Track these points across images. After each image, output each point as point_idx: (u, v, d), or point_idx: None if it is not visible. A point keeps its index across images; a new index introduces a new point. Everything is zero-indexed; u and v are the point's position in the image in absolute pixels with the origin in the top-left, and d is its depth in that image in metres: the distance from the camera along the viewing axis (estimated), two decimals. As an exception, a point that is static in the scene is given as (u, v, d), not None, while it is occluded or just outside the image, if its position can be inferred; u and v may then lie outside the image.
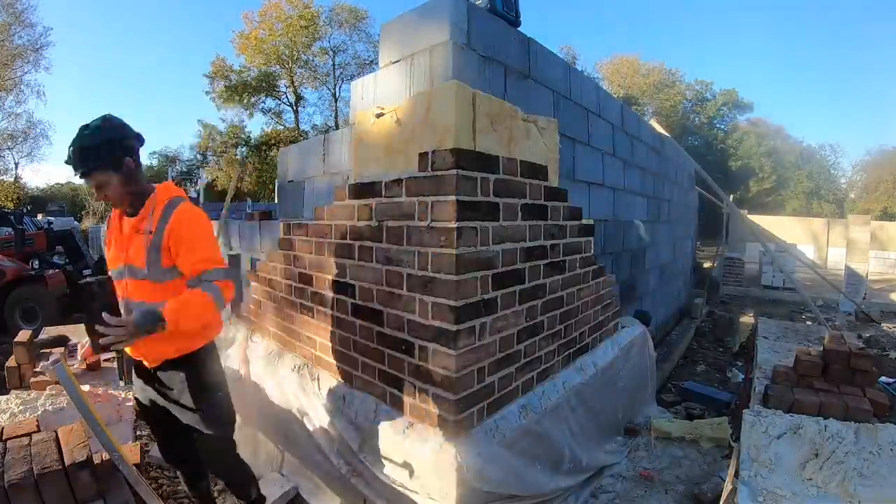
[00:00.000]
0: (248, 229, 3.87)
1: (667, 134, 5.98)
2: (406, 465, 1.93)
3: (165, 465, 3.05)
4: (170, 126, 60.51)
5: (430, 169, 1.83)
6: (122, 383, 2.80)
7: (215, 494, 2.80)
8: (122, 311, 1.83)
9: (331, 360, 2.47)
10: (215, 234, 4.51)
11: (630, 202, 4.24)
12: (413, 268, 1.93)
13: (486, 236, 1.92)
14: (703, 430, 3.05)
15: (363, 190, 2.16)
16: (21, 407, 2.35)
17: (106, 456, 1.62)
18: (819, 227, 16.14)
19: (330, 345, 2.46)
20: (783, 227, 15.84)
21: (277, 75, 27.29)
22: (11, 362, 2.56)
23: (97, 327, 1.50)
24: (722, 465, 2.69)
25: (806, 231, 15.97)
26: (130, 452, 2.04)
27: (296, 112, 28.74)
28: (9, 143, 23.55)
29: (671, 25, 57.28)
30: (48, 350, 2.71)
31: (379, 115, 2.07)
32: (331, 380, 2.45)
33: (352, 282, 2.26)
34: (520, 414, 2.15)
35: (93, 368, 2.76)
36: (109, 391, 2.63)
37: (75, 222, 15.50)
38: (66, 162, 1.71)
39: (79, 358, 2.82)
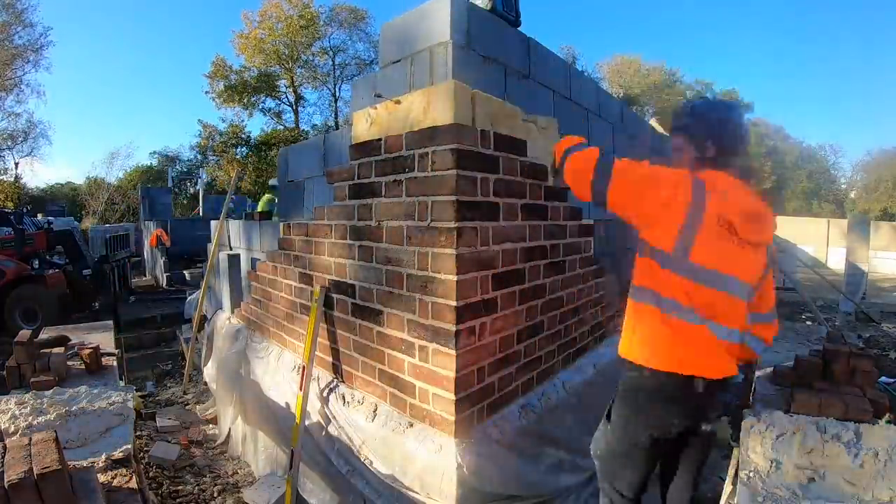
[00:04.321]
0: (248, 229, 3.87)
1: (667, 134, 5.98)
2: (406, 465, 1.93)
3: (165, 464, 3.05)
4: (170, 126, 60.40)
5: (429, 169, 1.83)
6: (121, 383, 2.79)
7: (214, 493, 2.81)
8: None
9: (331, 359, 2.47)
10: (215, 233, 4.52)
11: (630, 202, 4.23)
12: (413, 268, 1.93)
13: (486, 236, 1.92)
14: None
15: (363, 190, 2.16)
16: (21, 409, 2.35)
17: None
18: (819, 227, 16.14)
19: (330, 345, 2.46)
20: (783, 227, 15.82)
21: (277, 75, 27.28)
22: (11, 362, 2.56)
23: None
24: (722, 466, 2.69)
25: (806, 231, 15.98)
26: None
27: (296, 112, 28.76)
28: (9, 143, 23.57)
29: (672, 25, 57.25)
30: (48, 350, 2.71)
31: (378, 116, 2.07)
32: (331, 379, 2.45)
33: (352, 282, 2.26)
34: (520, 414, 2.15)
35: (93, 370, 2.75)
36: (109, 392, 2.63)
37: (75, 222, 15.50)
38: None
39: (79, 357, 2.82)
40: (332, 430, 2.29)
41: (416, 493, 1.89)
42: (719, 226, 1.49)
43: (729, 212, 1.48)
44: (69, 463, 1.58)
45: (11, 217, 7.86)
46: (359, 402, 2.22)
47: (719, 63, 57.34)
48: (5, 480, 1.27)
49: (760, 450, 1.75)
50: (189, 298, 6.89)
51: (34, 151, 24.82)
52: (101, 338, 3.22)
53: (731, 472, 2.03)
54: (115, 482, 1.66)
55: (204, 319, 4.75)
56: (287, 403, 2.63)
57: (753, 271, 1.57)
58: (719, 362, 1.55)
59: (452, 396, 1.82)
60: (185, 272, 11.04)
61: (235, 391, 3.24)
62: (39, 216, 12.37)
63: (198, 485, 2.89)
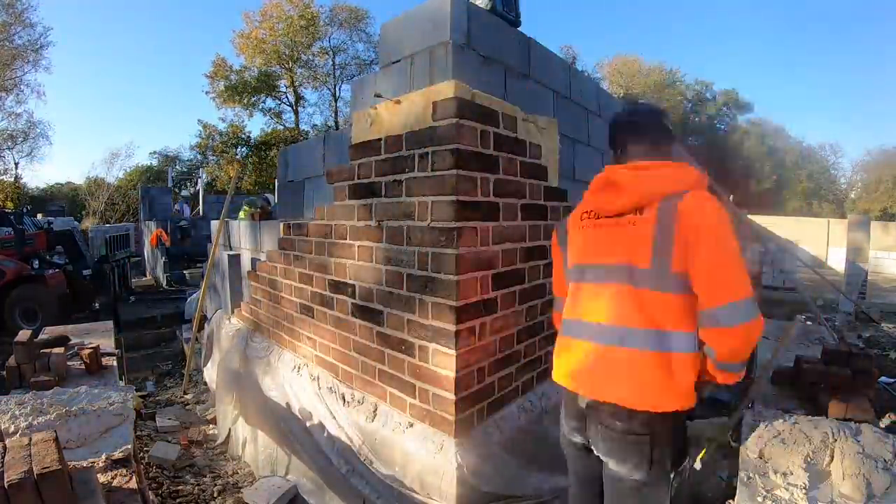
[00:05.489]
0: (249, 229, 3.87)
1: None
2: (406, 465, 1.93)
3: (165, 464, 3.05)
4: (170, 126, 60.38)
5: (430, 169, 1.83)
6: (121, 383, 2.79)
7: (214, 493, 2.81)
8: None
9: (331, 359, 2.47)
10: (216, 233, 4.53)
11: (630, 202, 4.23)
12: (413, 268, 1.93)
13: (486, 236, 1.92)
14: (702, 430, 3.04)
15: (363, 190, 2.16)
16: (21, 409, 2.35)
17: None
18: (819, 227, 16.14)
19: (330, 345, 2.46)
20: (783, 227, 15.83)
21: (277, 75, 27.28)
22: (11, 362, 2.56)
23: None
24: (722, 466, 2.69)
25: (806, 231, 15.97)
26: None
27: (296, 112, 28.76)
28: (9, 143, 23.57)
29: (671, 25, 57.20)
30: (48, 350, 2.71)
31: (377, 116, 2.07)
32: (331, 379, 2.45)
33: (352, 282, 2.26)
34: (519, 414, 2.15)
35: (93, 371, 2.76)
36: (109, 392, 2.63)
37: (75, 222, 15.48)
38: None
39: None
40: (331, 430, 2.29)
41: (416, 493, 1.89)
42: (581, 220, 1.53)
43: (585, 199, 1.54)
44: (69, 463, 1.59)
45: (11, 217, 7.85)
46: (359, 402, 2.22)
47: (719, 63, 57.38)
48: (5, 480, 1.27)
49: (760, 450, 1.75)
50: (189, 298, 6.89)
51: (34, 151, 24.86)
52: (101, 338, 3.23)
53: (730, 472, 2.03)
54: (115, 482, 1.65)
55: (204, 319, 4.75)
56: (287, 404, 2.63)
57: (624, 248, 1.34)
58: (596, 377, 1.41)
59: (452, 396, 1.82)
60: (185, 272, 11.04)
61: (235, 391, 3.24)
62: (39, 216, 12.37)
63: (198, 485, 2.89)
